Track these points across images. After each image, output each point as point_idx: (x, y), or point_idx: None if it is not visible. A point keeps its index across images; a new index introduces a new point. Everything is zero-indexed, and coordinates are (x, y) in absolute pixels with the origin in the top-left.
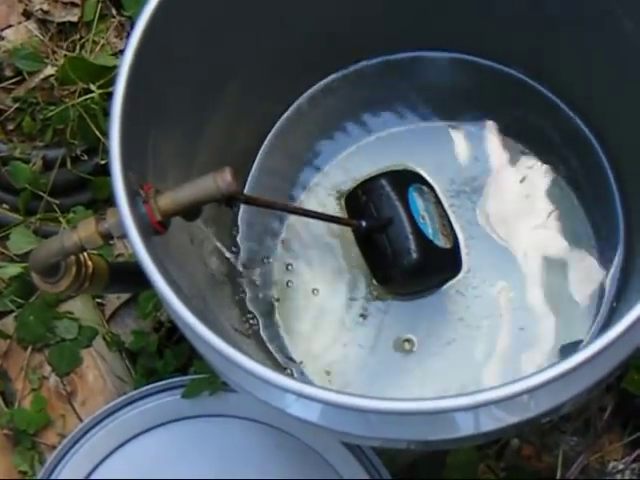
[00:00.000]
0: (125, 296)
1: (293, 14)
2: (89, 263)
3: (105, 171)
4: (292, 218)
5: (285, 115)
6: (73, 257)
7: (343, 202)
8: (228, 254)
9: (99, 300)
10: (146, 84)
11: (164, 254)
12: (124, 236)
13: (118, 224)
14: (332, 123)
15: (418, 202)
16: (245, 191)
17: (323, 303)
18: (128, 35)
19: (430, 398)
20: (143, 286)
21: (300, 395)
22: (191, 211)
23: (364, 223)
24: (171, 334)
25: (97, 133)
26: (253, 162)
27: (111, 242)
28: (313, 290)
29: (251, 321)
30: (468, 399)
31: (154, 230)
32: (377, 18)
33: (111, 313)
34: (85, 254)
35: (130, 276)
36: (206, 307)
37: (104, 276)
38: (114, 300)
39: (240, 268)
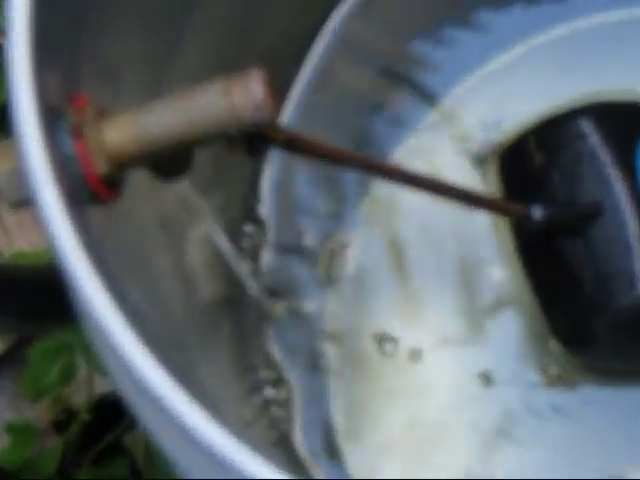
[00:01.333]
0: None
1: None
2: None
3: None
4: (377, 191)
5: None
6: None
7: (494, 167)
8: (233, 257)
9: None
10: None
11: (108, 249)
12: (23, 202)
13: (14, 175)
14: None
15: None
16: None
17: (431, 385)
18: None
19: None
20: (49, 319)
21: None
22: (172, 158)
23: (539, 213)
24: (92, 437)
25: None
26: (297, 70)
27: None
28: (412, 353)
29: (273, 406)
30: None
31: (90, 193)
32: None
33: None
34: None
35: (23, 294)
36: (189, 366)
37: None
38: None
39: (256, 291)
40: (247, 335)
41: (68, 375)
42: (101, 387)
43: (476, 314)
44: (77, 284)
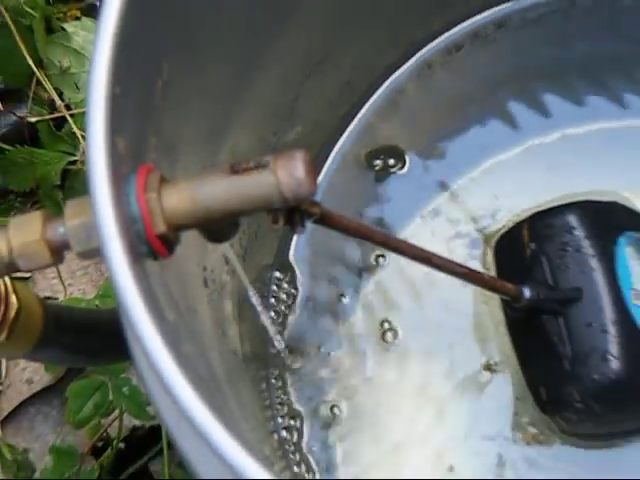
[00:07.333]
0: (42, 379)
1: None
2: (12, 299)
3: (33, 136)
4: (389, 268)
5: (393, 80)
6: None
7: (489, 250)
8: (265, 317)
9: None
10: None
11: (161, 298)
12: (88, 254)
13: (86, 229)
14: (479, 96)
15: (632, 266)
16: None
17: (427, 440)
18: None
19: None
20: (106, 354)
21: None
22: (221, 223)
23: (528, 293)
24: (124, 463)
25: (29, 62)
26: (330, 149)
27: (26, 275)
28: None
29: (291, 453)
30: None
31: (149, 249)
32: None
33: (10, 411)
34: (7, 282)
35: (84, 333)
36: (226, 407)
37: (35, 326)
38: (19, 385)
39: (282, 347)
40: (273, 383)
41: (101, 411)
42: (132, 421)
43: (470, 384)
44: (135, 327)
